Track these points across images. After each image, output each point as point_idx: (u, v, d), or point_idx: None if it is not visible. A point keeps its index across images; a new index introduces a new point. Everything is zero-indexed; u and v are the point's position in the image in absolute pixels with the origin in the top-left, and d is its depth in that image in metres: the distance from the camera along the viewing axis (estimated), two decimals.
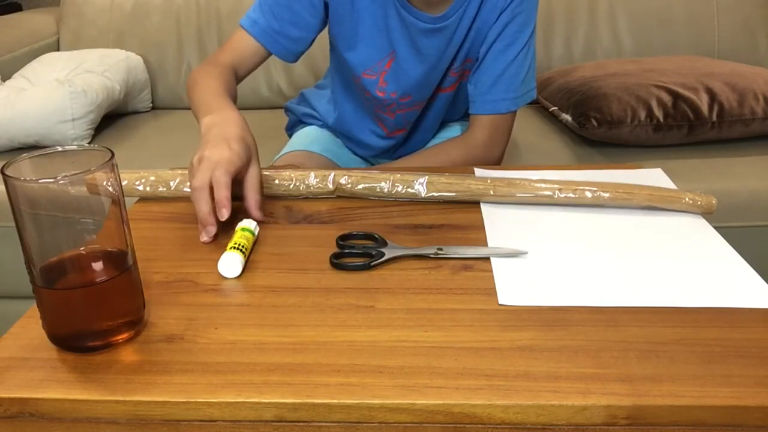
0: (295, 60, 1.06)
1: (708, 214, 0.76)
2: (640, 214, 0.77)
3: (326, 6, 1.01)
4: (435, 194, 0.80)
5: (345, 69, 1.08)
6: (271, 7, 1.01)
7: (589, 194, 0.77)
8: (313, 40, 1.05)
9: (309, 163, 1.14)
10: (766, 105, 1.34)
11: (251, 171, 0.77)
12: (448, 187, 0.80)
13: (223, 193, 0.71)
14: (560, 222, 0.76)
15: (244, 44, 1.03)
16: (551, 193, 0.78)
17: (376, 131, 1.16)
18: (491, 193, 0.79)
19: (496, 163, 1.09)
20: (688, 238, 0.72)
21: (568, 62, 1.76)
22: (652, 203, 0.77)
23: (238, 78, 1.03)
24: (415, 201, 0.82)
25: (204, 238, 0.72)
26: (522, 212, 0.78)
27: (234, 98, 0.95)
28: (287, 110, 1.33)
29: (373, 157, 1.22)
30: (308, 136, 1.23)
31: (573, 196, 0.77)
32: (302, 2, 1.00)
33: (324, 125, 1.24)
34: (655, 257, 0.68)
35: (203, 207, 0.71)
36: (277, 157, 1.20)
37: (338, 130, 1.22)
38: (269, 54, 1.04)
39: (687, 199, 0.76)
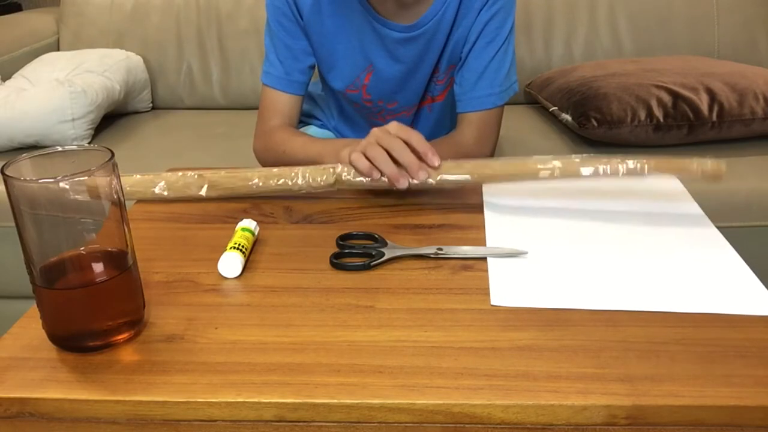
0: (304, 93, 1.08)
1: (717, 181, 0.73)
2: (642, 217, 0.77)
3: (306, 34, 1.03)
4: (445, 177, 0.77)
5: (332, 90, 1.11)
6: (277, 53, 1.03)
7: (589, 171, 0.74)
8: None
9: None
10: (766, 105, 1.34)
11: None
12: (456, 168, 0.78)
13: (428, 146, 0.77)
14: (561, 223, 0.76)
15: (277, 101, 1.06)
16: (551, 172, 0.75)
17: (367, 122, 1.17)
18: (496, 172, 0.77)
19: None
20: (691, 241, 0.71)
21: (568, 62, 1.76)
22: (660, 171, 0.74)
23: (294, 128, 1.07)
24: (417, 195, 0.81)
25: (404, 184, 0.76)
26: (524, 214, 0.78)
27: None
28: None
29: None
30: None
31: (574, 170, 0.75)
32: (294, 36, 1.02)
33: (324, 126, 1.25)
34: (656, 260, 0.67)
35: (409, 157, 0.76)
36: None
37: (339, 134, 1.22)
38: (302, 96, 1.07)
39: (695, 165, 0.73)
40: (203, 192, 0.82)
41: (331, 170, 0.80)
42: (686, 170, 0.75)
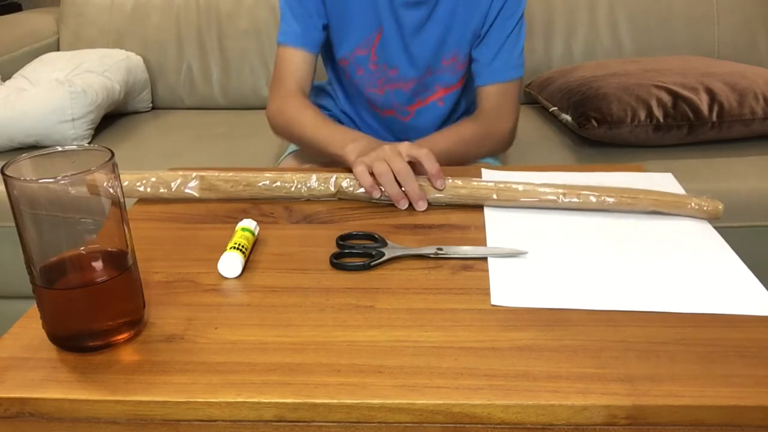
0: (318, 51, 1.11)
1: (714, 220, 0.76)
2: (642, 217, 0.77)
3: None
4: (439, 196, 0.79)
5: (336, 58, 1.12)
6: (293, 13, 1.06)
7: (593, 199, 0.77)
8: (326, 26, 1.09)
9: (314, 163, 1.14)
10: (766, 105, 1.34)
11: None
12: (453, 191, 0.79)
13: (437, 165, 0.79)
14: (561, 224, 0.76)
15: (294, 61, 1.07)
16: (555, 198, 0.77)
17: (370, 113, 1.19)
18: (494, 197, 0.78)
19: (509, 138, 1.11)
20: (690, 242, 0.71)
21: (568, 62, 1.76)
22: (658, 208, 0.76)
23: (307, 95, 1.09)
24: None
25: (404, 205, 0.79)
26: (524, 214, 0.78)
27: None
28: None
29: None
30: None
31: (577, 200, 0.77)
32: None
33: (332, 115, 1.24)
34: (655, 261, 0.67)
35: (414, 185, 0.78)
36: (283, 157, 1.19)
37: (347, 116, 1.23)
38: (316, 55, 1.09)
39: (693, 204, 0.75)
40: (198, 193, 0.82)
41: (333, 181, 0.81)
42: (684, 208, 0.76)
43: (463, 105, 1.20)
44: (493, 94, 1.07)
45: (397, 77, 1.11)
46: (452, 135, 1.05)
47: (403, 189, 0.79)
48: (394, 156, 0.79)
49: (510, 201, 0.79)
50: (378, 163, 0.78)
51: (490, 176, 0.89)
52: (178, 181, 0.82)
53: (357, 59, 1.10)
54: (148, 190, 0.82)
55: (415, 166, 0.80)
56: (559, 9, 1.78)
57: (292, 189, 0.82)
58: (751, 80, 1.39)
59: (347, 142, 0.89)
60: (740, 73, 1.42)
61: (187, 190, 0.82)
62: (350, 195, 0.81)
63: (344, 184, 0.81)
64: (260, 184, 0.82)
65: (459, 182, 0.80)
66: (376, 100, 1.14)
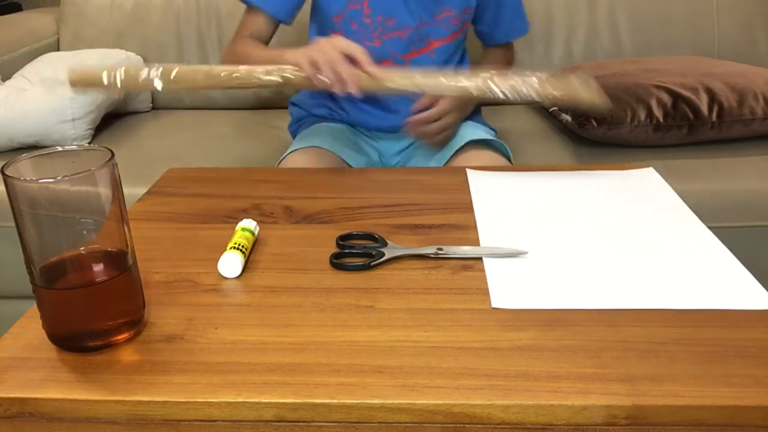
0: (291, 19, 1.15)
1: (601, 108, 0.85)
2: (638, 216, 0.77)
3: None
4: (388, 84, 0.88)
5: (328, 15, 1.14)
6: None
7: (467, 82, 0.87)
8: None
9: (321, 162, 1.14)
10: (766, 105, 1.34)
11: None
12: (398, 79, 0.89)
13: (367, 57, 0.89)
14: (553, 223, 0.76)
15: (256, 21, 1.14)
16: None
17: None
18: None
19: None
20: (683, 240, 0.72)
21: (568, 62, 1.76)
22: (548, 95, 0.85)
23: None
24: (418, 195, 0.82)
25: (339, 89, 0.88)
26: (515, 214, 0.78)
27: None
28: (293, 105, 1.31)
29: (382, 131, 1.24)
30: (319, 133, 1.21)
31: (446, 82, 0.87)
32: None
33: (332, 113, 1.23)
34: (651, 259, 0.68)
35: (346, 70, 0.87)
36: (285, 155, 1.18)
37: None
38: (276, 21, 1.15)
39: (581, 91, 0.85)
40: (158, 84, 0.88)
41: (279, 69, 0.90)
42: (576, 96, 0.85)
43: (454, 62, 1.23)
44: (504, 51, 1.26)
45: (394, 26, 1.13)
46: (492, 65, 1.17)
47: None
48: (329, 48, 0.88)
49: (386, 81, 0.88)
50: (317, 54, 0.88)
51: (478, 177, 0.89)
52: (145, 72, 0.87)
53: (350, 13, 1.12)
54: (114, 79, 0.88)
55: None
56: (559, 9, 1.77)
57: (246, 77, 0.90)
58: (751, 80, 1.39)
59: (289, 52, 0.95)
60: (740, 73, 1.42)
61: (154, 79, 0.88)
62: (295, 82, 0.90)
63: (287, 74, 0.90)
64: (222, 74, 0.90)
65: (398, 74, 0.89)
66: (372, 53, 1.13)
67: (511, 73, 0.86)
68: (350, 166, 1.13)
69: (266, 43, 1.16)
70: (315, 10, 1.17)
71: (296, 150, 1.17)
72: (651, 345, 0.54)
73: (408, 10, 1.12)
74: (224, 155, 1.48)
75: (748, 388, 0.49)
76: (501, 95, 0.85)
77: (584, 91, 0.85)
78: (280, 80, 0.90)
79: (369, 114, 1.21)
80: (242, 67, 0.91)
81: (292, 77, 0.90)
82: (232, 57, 1.09)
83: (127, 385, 0.51)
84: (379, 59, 1.13)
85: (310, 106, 1.27)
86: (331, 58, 0.87)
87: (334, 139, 1.18)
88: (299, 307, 0.61)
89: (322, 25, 1.18)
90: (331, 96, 1.24)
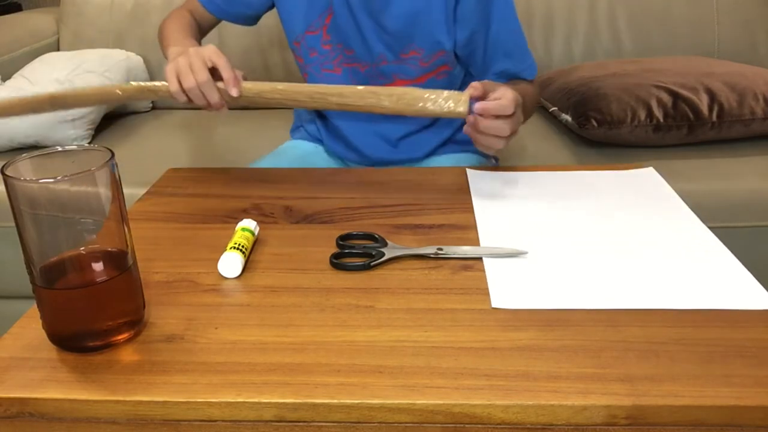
0: (225, 19, 1.13)
1: (463, 114, 0.77)
2: (632, 216, 0.77)
3: None
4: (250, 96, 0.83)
5: (289, 40, 1.10)
6: None
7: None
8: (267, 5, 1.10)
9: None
10: (766, 105, 1.34)
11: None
12: (251, 94, 0.83)
13: (233, 73, 0.83)
14: (555, 223, 0.76)
15: (197, 8, 1.11)
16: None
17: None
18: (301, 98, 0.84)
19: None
20: (683, 239, 0.72)
21: (568, 62, 1.76)
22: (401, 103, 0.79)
23: (202, 30, 1.13)
24: (418, 195, 0.82)
25: (225, 111, 0.85)
26: (515, 214, 0.78)
27: (197, 39, 1.06)
28: (296, 110, 1.29)
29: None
30: (294, 152, 1.18)
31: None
32: None
33: (316, 135, 1.21)
34: (651, 259, 0.68)
35: (215, 97, 0.83)
36: (254, 163, 1.15)
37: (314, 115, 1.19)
38: (217, 22, 1.13)
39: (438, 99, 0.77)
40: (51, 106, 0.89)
41: (151, 86, 0.87)
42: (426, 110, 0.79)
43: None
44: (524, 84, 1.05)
45: (353, 57, 1.06)
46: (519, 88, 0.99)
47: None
48: (198, 67, 0.82)
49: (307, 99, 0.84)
50: (185, 76, 0.82)
51: (478, 176, 0.89)
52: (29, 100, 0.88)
53: (308, 40, 1.07)
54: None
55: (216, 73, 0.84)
56: (559, 9, 1.78)
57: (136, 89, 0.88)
58: (751, 80, 1.39)
59: (174, 44, 0.94)
60: (740, 73, 1.42)
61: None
62: (161, 94, 0.86)
63: (150, 84, 0.87)
64: (117, 90, 0.87)
65: (260, 85, 0.83)
66: (333, 80, 1.09)
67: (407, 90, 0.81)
68: None
69: (205, 28, 1.13)
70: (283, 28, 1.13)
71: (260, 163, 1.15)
72: (651, 345, 0.54)
73: (365, 46, 1.04)
74: (224, 155, 1.48)
75: (748, 388, 0.49)
76: (386, 104, 0.80)
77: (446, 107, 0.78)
78: (141, 94, 0.88)
79: (341, 147, 1.16)
80: (92, 88, 0.91)
81: (157, 89, 0.86)
82: (162, 26, 1.09)
83: (127, 385, 0.51)
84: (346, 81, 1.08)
85: (305, 119, 1.24)
86: (201, 81, 0.82)
87: (300, 164, 1.15)
88: (299, 307, 0.61)
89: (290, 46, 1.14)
90: (319, 116, 1.22)
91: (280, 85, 0.83)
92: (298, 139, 1.23)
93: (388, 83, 1.07)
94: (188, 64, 0.83)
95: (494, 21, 1.00)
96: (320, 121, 1.18)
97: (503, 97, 0.79)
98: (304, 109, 1.21)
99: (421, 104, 0.79)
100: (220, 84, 0.83)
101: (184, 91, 0.83)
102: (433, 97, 0.78)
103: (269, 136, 1.46)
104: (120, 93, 0.87)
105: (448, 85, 1.07)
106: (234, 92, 0.82)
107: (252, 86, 0.83)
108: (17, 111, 0.95)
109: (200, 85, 0.82)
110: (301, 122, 1.25)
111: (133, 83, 0.87)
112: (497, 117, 0.79)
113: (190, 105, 0.85)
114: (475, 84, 0.79)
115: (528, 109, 0.99)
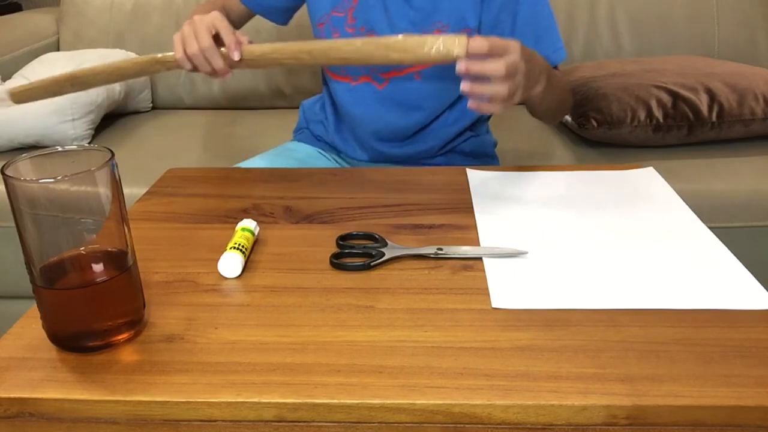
0: (285, 22, 1.14)
1: (459, 56, 0.71)
2: (637, 216, 0.77)
3: None
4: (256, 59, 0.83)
5: (313, 21, 1.08)
6: None
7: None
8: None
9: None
10: (765, 105, 1.34)
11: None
12: (259, 59, 0.83)
13: (234, 38, 0.83)
14: (555, 223, 0.76)
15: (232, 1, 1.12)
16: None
17: (341, 86, 1.11)
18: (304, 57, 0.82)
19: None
20: (684, 239, 0.72)
21: (568, 62, 1.76)
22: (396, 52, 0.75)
23: (232, 23, 1.11)
24: (418, 195, 0.82)
25: (229, 77, 0.85)
26: (515, 214, 0.78)
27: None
28: (302, 109, 1.27)
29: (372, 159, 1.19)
30: (293, 154, 1.17)
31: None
32: None
33: (323, 128, 1.22)
34: (651, 259, 0.68)
35: (219, 63, 0.83)
36: (246, 162, 1.14)
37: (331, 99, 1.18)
38: (251, 15, 1.13)
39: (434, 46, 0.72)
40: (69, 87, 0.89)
41: (160, 57, 0.87)
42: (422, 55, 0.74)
43: (452, 93, 1.06)
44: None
45: None
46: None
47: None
48: (201, 33, 0.83)
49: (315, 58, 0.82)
50: (189, 43, 0.83)
51: (476, 176, 0.89)
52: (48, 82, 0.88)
53: (333, 20, 1.05)
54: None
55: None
56: (559, 9, 1.77)
57: (108, 70, 0.88)
58: (751, 80, 1.39)
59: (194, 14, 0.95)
60: (740, 73, 1.42)
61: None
62: (168, 65, 0.86)
63: (159, 55, 0.86)
64: (131, 63, 0.88)
65: (261, 47, 0.83)
66: (354, 66, 1.07)
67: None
68: None
69: (236, 22, 1.13)
70: (308, 13, 1.11)
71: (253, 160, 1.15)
72: (651, 345, 0.54)
73: (389, 23, 1.02)
74: (224, 155, 1.48)
75: (748, 388, 0.49)
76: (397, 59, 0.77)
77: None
78: (152, 67, 0.88)
79: (347, 113, 1.13)
80: (105, 64, 0.89)
81: (166, 60, 0.87)
82: (191, 14, 1.09)
83: (127, 385, 0.51)
84: (358, 73, 1.08)
85: (310, 119, 1.23)
86: (204, 47, 0.83)
87: (298, 165, 1.14)
88: (299, 307, 0.61)
89: (313, 30, 1.13)
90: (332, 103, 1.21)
91: (281, 45, 0.83)
92: (299, 142, 1.23)
93: (408, 66, 1.05)
94: (192, 31, 0.84)
95: (523, 2, 0.99)
96: (331, 109, 1.17)
97: (508, 43, 0.73)
98: (310, 65, 1.23)
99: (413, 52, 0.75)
100: (224, 50, 0.83)
101: (188, 57, 0.84)
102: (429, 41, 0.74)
103: (270, 136, 1.46)
104: (133, 65, 0.88)
105: None
106: (235, 56, 0.82)
107: (255, 48, 0.84)
108: (38, 95, 0.95)
109: (203, 50, 0.83)
110: (306, 123, 1.24)
111: (144, 56, 0.88)
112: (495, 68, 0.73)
113: (198, 72, 0.87)
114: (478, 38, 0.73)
115: (553, 86, 0.94)
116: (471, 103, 0.75)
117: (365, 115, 1.09)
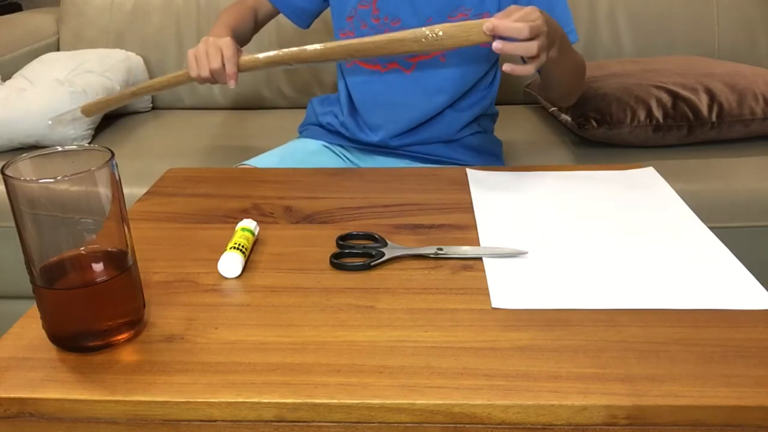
0: (307, 25, 1.20)
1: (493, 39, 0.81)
2: (637, 216, 0.77)
3: None
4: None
5: (341, 16, 1.12)
6: None
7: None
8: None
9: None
10: (765, 105, 1.34)
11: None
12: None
13: (233, 69, 0.97)
14: (555, 224, 0.76)
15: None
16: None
17: (372, 76, 1.13)
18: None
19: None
20: (684, 239, 0.72)
21: None
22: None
23: (258, 20, 1.20)
24: (417, 195, 0.82)
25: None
26: (515, 214, 0.78)
27: (243, 32, 1.16)
28: (310, 104, 1.28)
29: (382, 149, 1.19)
30: (300, 150, 1.18)
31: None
32: None
33: (337, 125, 1.21)
34: (651, 260, 0.68)
35: (224, 80, 0.97)
36: (250, 160, 1.15)
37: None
38: (275, 12, 1.20)
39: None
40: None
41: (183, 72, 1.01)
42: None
43: (477, 73, 1.12)
44: None
45: (400, 27, 1.07)
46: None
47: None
48: (213, 56, 0.96)
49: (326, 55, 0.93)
50: (201, 63, 0.97)
51: (476, 176, 0.89)
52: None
53: (360, 13, 1.09)
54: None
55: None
56: None
57: (149, 86, 1.09)
58: (751, 80, 1.39)
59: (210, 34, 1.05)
60: (740, 74, 1.42)
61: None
62: (182, 80, 1.01)
63: (178, 73, 1.01)
64: (143, 84, 1.08)
65: (258, 60, 0.97)
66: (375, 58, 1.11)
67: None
68: None
69: (261, 19, 1.20)
70: (331, 12, 1.14)
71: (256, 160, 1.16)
72: (651, 345, 0.54)
73: (414, 10, 1.07)
74: (224, 155, 1.48)
75: (748, 388, 0.49)
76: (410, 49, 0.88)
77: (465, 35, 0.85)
78: (176, 82, 1.03)
79: (374, 102, 1.15)
80: (153, 81, 1.07)
81: (180, 75, 1.01)
82: (220, 15, 1.18)
83: (127, 385, 0.51)
84: (387, 61, 1.11)
85: (319, 113, 1.24)
86: (213, 69, 0.96)
87: (305, 162, 1.15)
88: (299, 307, 0.61)
89: (337, 26, 1.15)
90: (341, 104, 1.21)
91: (282, 52, 0.95)
92: (305, 138, 1.23)
93: (434, 51, 1.07)
94: (205, 51, 0.97)
95: None
96: (346, 100, 1.18)
97: (527, 8, 0.83)
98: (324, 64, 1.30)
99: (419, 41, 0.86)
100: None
101: (200, 75, 0.97)
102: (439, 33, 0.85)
103: (270, 137, 1.46)
104: (173, 78, 1.02)
105: (490, 53, 1.08)
106: (231, 85, 0.97)
107: (251, 62, 0.98)
108: (105, 107, 1.15)
109: (212, 72, 0.96)
110: (316, 116, 1.25)
111: (179, 72, 1.02)
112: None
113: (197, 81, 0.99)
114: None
115: (567, 54, 1.00)
116: (506, 66, 0.83)
117: (394, 99, 1.13)
